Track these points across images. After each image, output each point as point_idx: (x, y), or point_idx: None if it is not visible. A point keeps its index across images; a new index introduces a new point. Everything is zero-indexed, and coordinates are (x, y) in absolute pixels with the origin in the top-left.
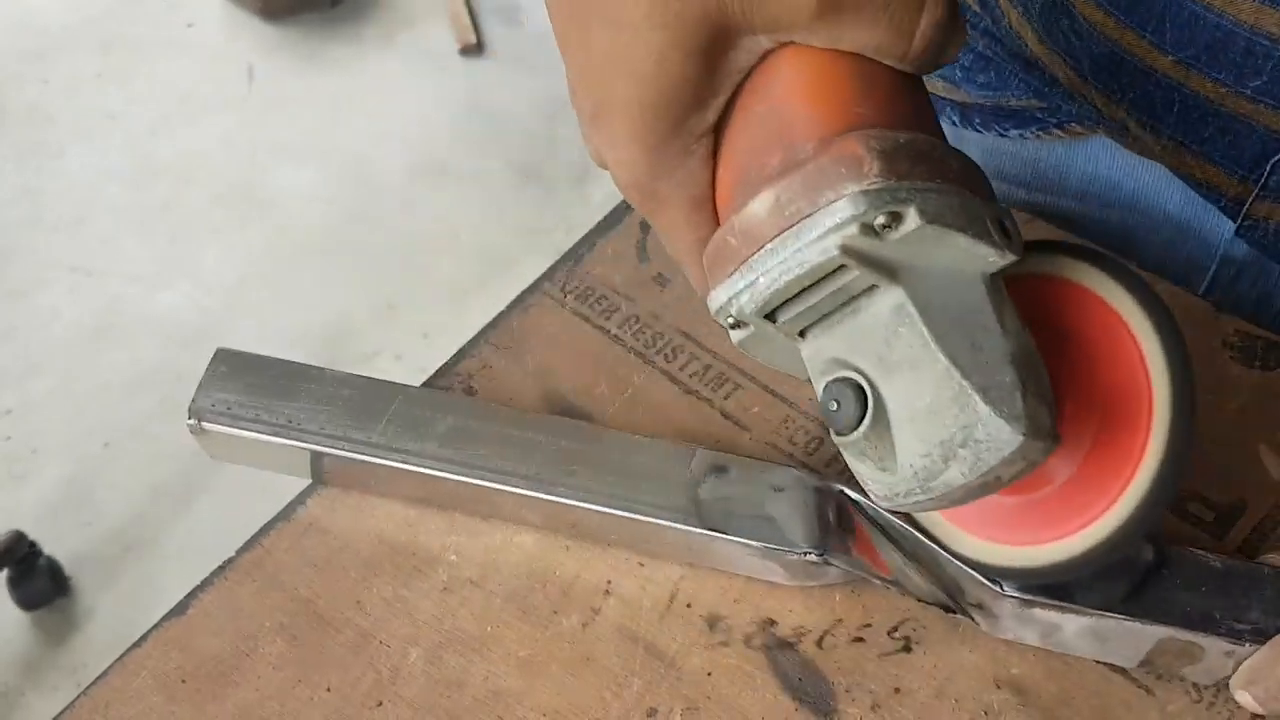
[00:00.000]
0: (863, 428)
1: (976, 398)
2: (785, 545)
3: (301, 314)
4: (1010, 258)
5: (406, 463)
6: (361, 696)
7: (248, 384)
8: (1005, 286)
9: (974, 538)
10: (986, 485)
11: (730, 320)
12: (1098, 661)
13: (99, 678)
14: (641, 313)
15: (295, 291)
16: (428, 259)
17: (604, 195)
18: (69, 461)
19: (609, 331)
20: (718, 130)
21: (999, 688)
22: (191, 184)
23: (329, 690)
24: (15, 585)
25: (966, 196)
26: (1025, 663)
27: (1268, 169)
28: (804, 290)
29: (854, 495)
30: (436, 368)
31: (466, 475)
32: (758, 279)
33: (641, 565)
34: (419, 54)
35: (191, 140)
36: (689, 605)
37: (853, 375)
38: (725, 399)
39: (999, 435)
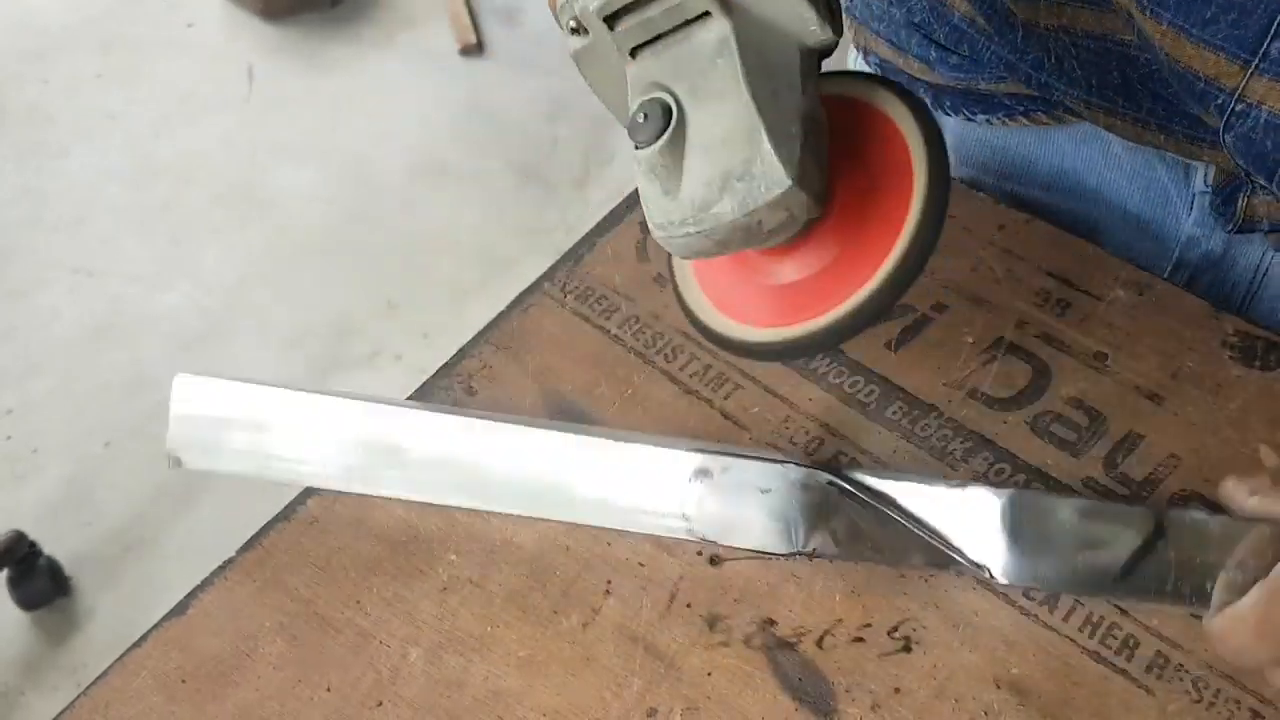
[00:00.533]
0: (661, 141)
1: (764, 134)
2: (775, 549)
3: (301, 314)
4: (829, 35)
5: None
6: (361, 696)
7: (218, 418)
8: (819, 72)
9: (753, 327)
10: (750, 229)
11: (572, 22)
12: (1097, 661)
13: (99, 678)
14: (641, 313)
15: (295, 291)
16: (428, 259)
17: (604, 195)
18: (69, 461)
19: (609, 331)
20: None
21: (999, 688)
22: (191, 184)
23: (329, 690)
24: (15, 585)
25: None
26: (1025, 663)
27: (1268, 39)
28: (643, 2)
29: (843, 483)
30: (436, 368)
31: (451, 498)
32: None
33: (641, 565)
34: (419, 54)
35: (192, 140)
36: (689, 605)
37: (666, 97)
38: (725, 399)
39: (772, 174)
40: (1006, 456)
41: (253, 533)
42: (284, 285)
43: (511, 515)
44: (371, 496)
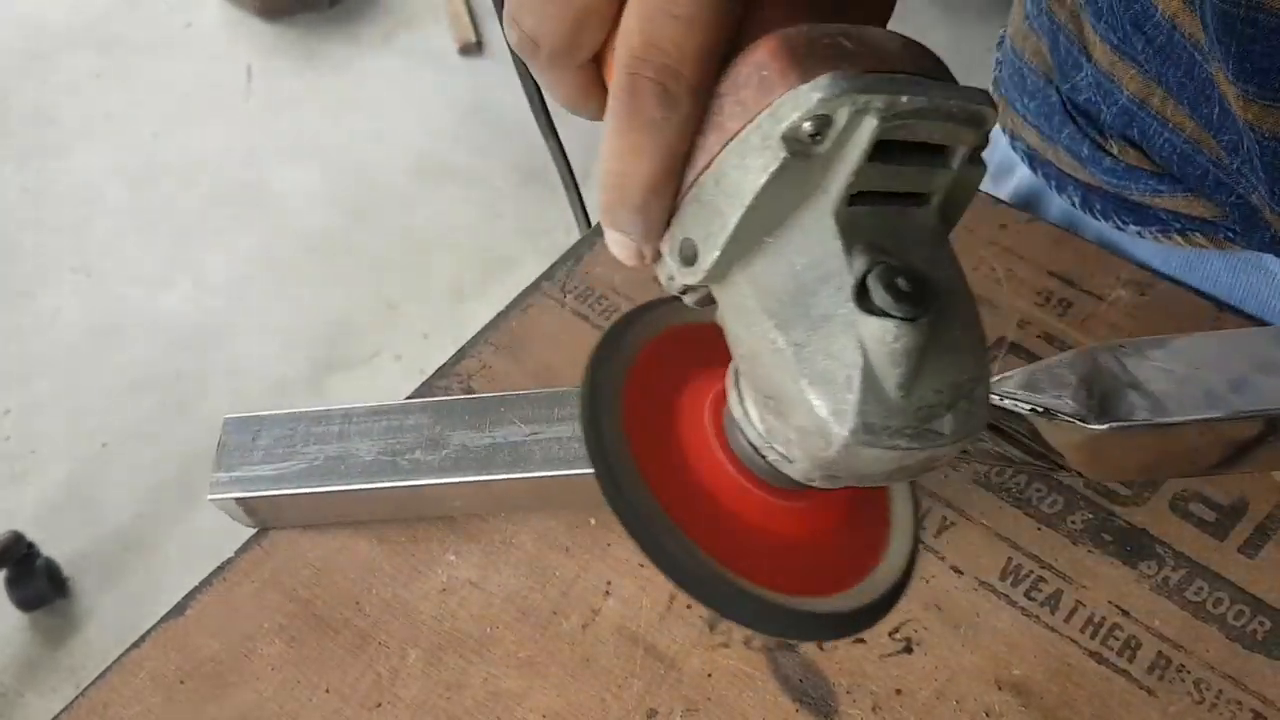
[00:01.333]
0: (933, 315)
1: (985, 355)
2: None
3: (301, 314)
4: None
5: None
6: (360, 698)
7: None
8: None
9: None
10: (925, 467)
11: (810, 125)
12: (1098, 662)
13: (98, 678)
14: None
15: (295, 291)
16: (428, 259)
17: None
18: (69, 461)
19: None
20: None
21: (1000, 689)
22: (192, 184)
23: (328, 691)
24: (13, 586)
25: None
26: (1026, 664)
27: None
28: (910, 150)
29: None
30: (436, 368)
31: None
32: (900, 97)
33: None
34: (419, 54)
35: (191, 140)
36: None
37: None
38: None
39: (983, 406)
40: (1008, 456)
41: (252, 534)
42: (284, 285)
43: (511, 515)
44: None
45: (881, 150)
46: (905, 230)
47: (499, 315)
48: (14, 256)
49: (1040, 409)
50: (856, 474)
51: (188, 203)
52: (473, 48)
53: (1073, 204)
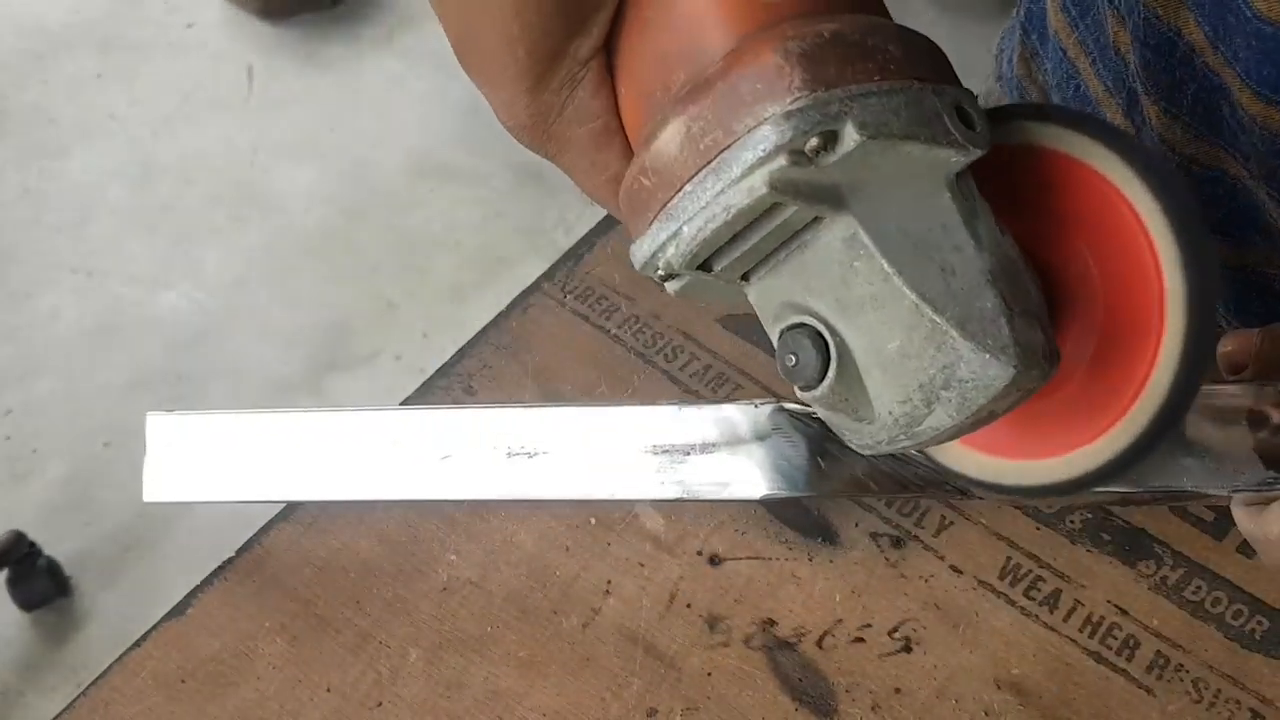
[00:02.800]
0: (827, 381)
1: (955, 333)
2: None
3: (301, 314)
4: (975, 153)
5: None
6: (361, 697)
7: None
8: (975, 179)
9: (972, 451)
10: (980, 422)
11: (659, 274)
12: (1097, 662)
13: (99, 678)
14: (641, 313)
15: (295, 291)
16: (428, 259)
17: None
18: (70, 461)
19: (609, 331)
20: (609, 47)
21: (999, 688)
22: (192, 184)
23: (329, 690)
24: (14, 585)
25: (914, 90)
26: (1026, 663)
27: None
28: (737, 235)
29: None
30: (436, 368)
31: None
32: (681, 228)
33: (641, 565)
34: (419, 54)
35: (192, 140)
36: (689, 605)
37: (809, 321)
38: (726, 399)
39: (986, 371)
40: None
41: (252, 533)
42: (284, 285)
43: (511, 514)
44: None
45: (710, 259)
46: (812, 266)
47: (499, 315)
48: (14, 256)
49: (937, 463)
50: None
51: (187, 203)
52: None
53: None
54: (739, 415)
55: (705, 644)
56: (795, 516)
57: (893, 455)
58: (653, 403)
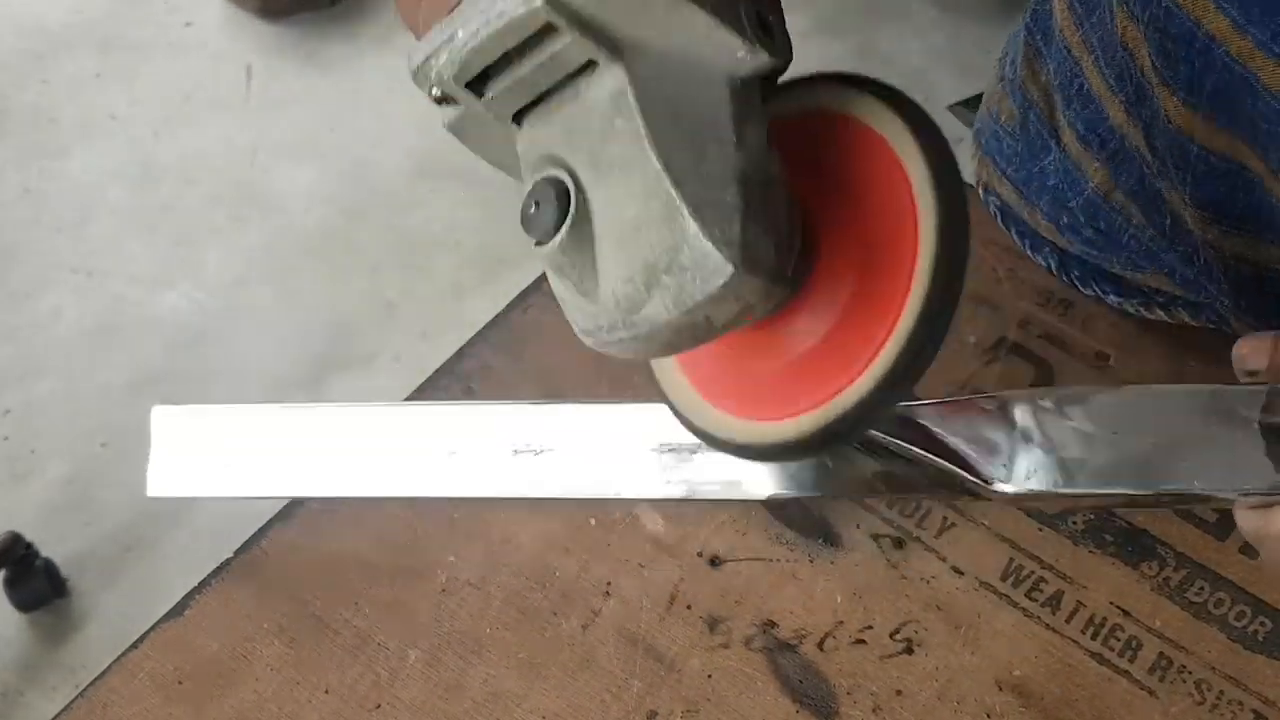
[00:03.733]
0: (560, 236)
1: (686, 212)
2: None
3: (301, 314)
4: (763, 59)
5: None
6: (360, 698)
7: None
8: (763, 105)
9: (717, 410)
10: (696, 327)
11: (435, 91)
12: (1099, 663)
13: (97, 679)
14: None
15: (295, 291)
16: (428, 259)
17: None
18: (69, 461)
19: None
20: None
21: (1000, 690)
22: (192, 184)
23: (327, 692)
24: (12, 586)
25: None
26: (1027, 664)
27: None
28: (511, 55)
29: None
30: (436, 368)
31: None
32: (457, 32)
33: (641, 566)
34: None
35: (192, 140)
36: (689, 607)
37: (560, 174)
38: None
39: (706, 263)
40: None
41: (251, 534)
42: (284, 285)
43: (511, 515)
44: (367, 498)
45: (481, 77)
46: (578, 118)
47: (499, 315)
48: (14, 256)
49: (945, 466)
50: (639, 357)
51: (188, 203)
52: None
53: (1049, 268)
54: None
55: (705, 645)
56: (796, 518)
57: (900, 458)
58: (658, 401)
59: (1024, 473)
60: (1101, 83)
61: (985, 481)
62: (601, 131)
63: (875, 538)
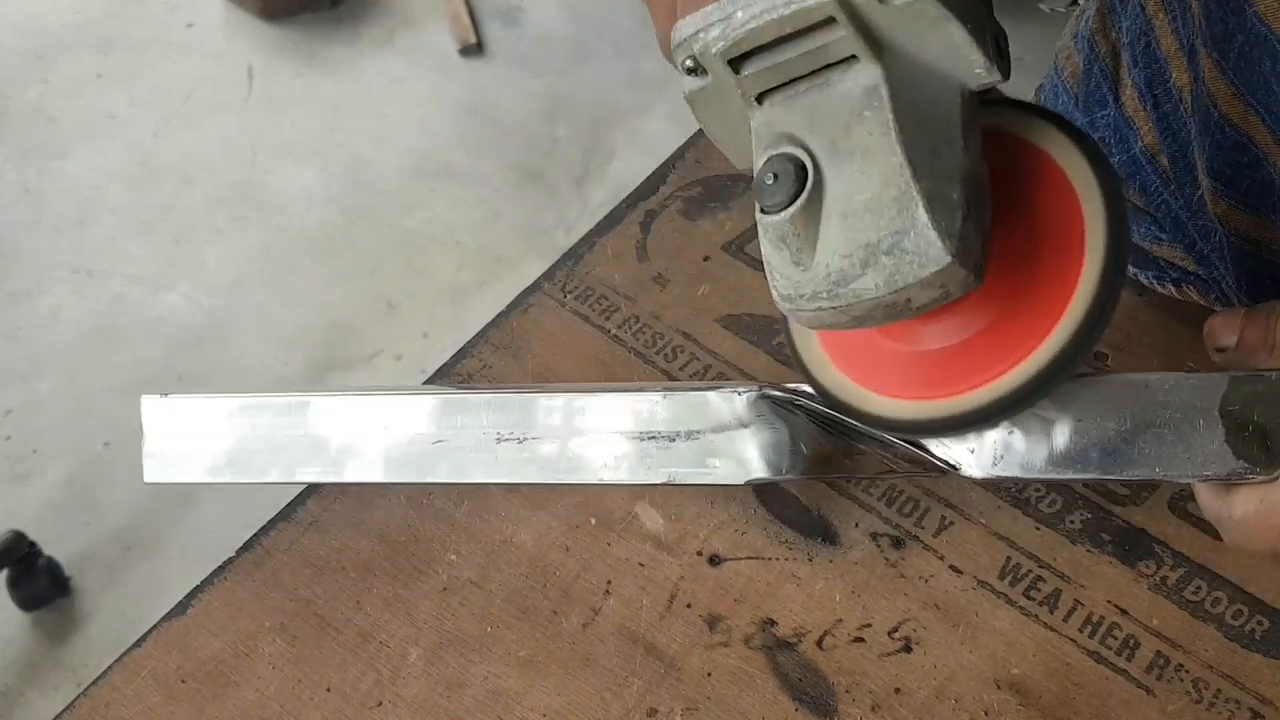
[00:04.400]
0: (795, 207)
1: (920, 202)
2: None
3: (301, 314)
4: (996, 77)
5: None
6: (361, 697)
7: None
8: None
9: (883, 397)
10: (895, 305)
11: (689, 61)
12: (1097, 661)
13: (99, 678)
14: (641, 313)
15: (295, 291)
16: (428, 259)
17: (604, 195)
18: (70, 461)
19: (609, 331)
20: None
21: (999, 688)
22: (192, 185)
23: (329, 690)
24: (15, 585)
25: None
26: (1025, 663)
27: None
28: (781, 40)
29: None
30: (436, 368)
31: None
32: (735, 13)
33: (641, 565)
34: (419, 54)
35: (192, 141)
36: (689, 605)
37: (799, 154)
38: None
39: (928, 250)
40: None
41: (253, 533)
42: (284, 285)
43: (511, 514)
44: (372, 496)
45: (746, 56)
46: (824, 105)
47: (499, 315)
48: (14, 256)
49: (914, 452)
50: (825, 326)
51: (188, 203)
52: (473, 48)
53: None
54: (722, 401)
55: (705, 644)
56: (795, 516)
57: (874, 439)
58: (639, 389)
59: (991, 459)
60: (1173, 42)
61: (954, 466)
62: (848, 120)
63: (874, 537)
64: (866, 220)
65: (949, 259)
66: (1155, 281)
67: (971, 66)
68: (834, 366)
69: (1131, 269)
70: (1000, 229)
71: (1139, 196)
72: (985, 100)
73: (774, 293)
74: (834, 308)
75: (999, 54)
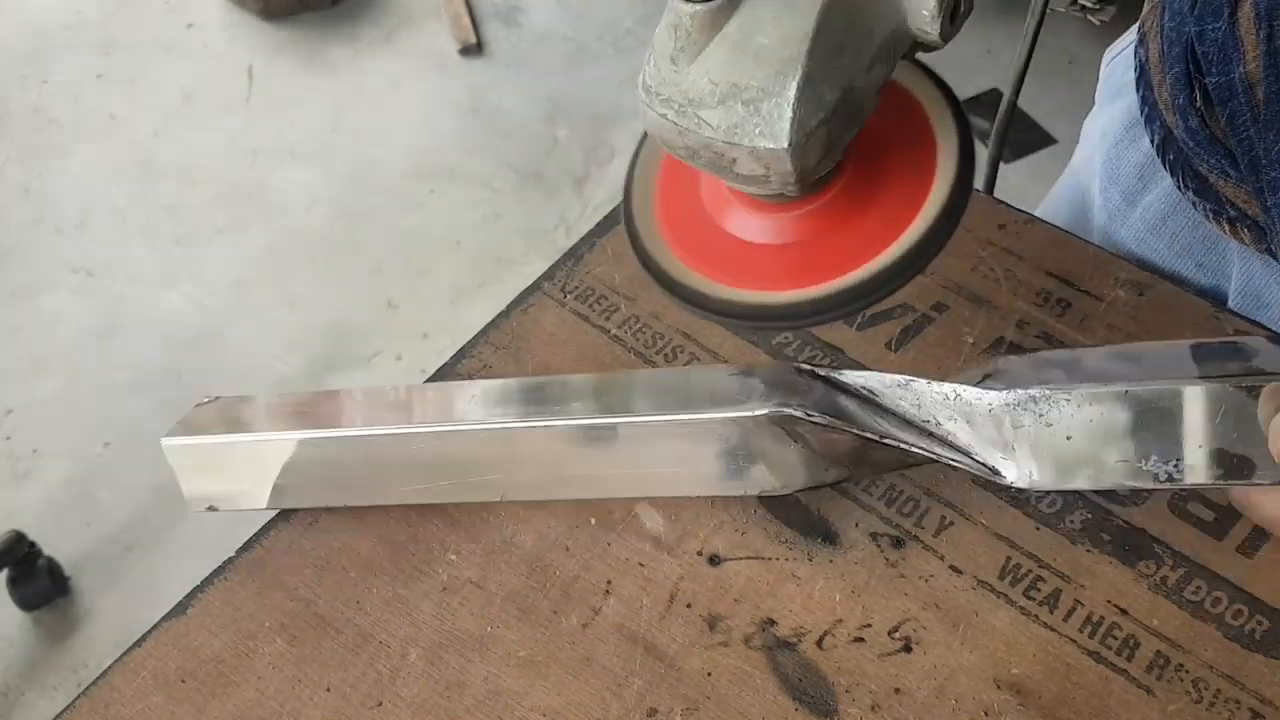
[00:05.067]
0: (706, 5)
1: (798, 77)
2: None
3: (301, 314)
4: (934, 37)
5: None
6: (361, 696)
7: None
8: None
9: (742, 289)
10: (719, 158)
11: None
12: (1097, 661)
13: (100, 677)
14: (641, 313)
15: (295, 292)
16: (428, 259)
17: (604, 195)
18: (71, 461)
19: (609, 331)
20: None
21: (999, 688)
22: (193, 185)
23: (329, 690)
24: (15, 585)
25: None
26: (1025, 663)
27: None
28: None
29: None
30: (436, 368)
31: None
32: None
33: (641, 565)
34: (419, 54)
35: (193, 141)
36: (689, 605)
37: None
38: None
39: (774, 124)
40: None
41: (253, 533)
42: (284, 285)
43: (511, 514)
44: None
45: None
46: None
47: (499, 315)
48: (14, 256)
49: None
50: (659, 137)
51: (188, 203)
52: (473, 48)
53: (1152, 141)
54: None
55: (705, 644)
56: (795, 516)
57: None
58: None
59: (1028, 471)
60: None
61: (993, 472)
62: None
63: (874, 536)
64: (748, 63)
65: (784, 146)
66: (1212, 215)
67: (920, 11)
68: (677, 258)
69: (1192, 196)
70: (859, 156)
71: (1223, 127)
72: (908, 58)
73: (641, 77)
74: (675, 124)
75: (951, 20)
